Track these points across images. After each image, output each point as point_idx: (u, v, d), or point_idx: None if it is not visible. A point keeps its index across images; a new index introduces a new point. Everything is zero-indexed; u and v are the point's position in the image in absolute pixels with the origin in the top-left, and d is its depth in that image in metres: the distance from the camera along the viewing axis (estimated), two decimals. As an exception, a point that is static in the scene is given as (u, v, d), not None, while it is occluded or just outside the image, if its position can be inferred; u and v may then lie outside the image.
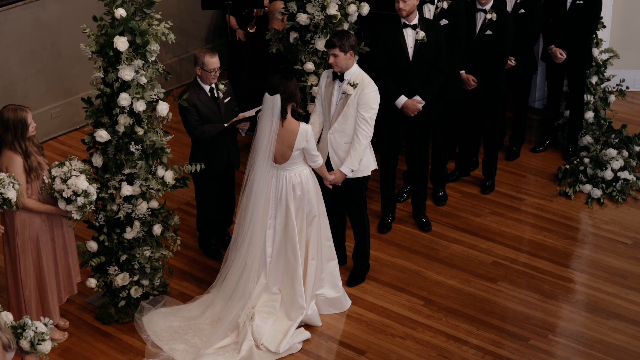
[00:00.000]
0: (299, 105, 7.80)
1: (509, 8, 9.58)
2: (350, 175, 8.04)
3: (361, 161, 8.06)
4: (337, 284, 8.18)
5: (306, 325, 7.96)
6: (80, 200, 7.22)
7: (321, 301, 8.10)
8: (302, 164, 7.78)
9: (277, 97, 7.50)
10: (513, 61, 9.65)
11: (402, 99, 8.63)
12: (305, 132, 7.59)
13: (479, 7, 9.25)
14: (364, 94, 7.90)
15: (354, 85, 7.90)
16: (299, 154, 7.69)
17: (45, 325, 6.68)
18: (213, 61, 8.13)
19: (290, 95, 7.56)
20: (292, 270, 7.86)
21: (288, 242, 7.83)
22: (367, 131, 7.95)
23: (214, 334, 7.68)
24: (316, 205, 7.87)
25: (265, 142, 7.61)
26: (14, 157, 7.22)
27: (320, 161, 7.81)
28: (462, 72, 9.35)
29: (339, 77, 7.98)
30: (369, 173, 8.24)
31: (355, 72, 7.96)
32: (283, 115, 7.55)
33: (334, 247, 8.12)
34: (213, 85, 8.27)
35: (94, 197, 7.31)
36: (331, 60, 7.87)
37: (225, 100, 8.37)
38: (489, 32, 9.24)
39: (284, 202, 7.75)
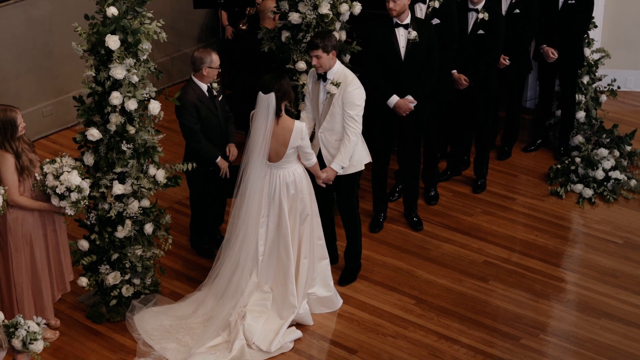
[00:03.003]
0: (292, 104, 7.80)
1: (504, 8, 9.58)
2: (340, 172, 8.05)
3: (352, 157, 8.06)
4: (329, 283, 8.18)
5: (297, 324, 7.96)
6: (74, 195, 7.21)
7: (313, 300, 8.10)
8: (295, 162, 7.78)
9: (272, 95, 7.49)
10: (507, 61, 9.66)
11: (394, 99, 8.63)
12: (300, 130, 7.60)
13: (470, 6, 9.26)
14: (347, 92, 7.90)
15: (337, 85, 7.91)
16: (293, 152, 7.69)
17: (38, 324, 6.67)
18: (217, 58, 8.23)
19: (285, 93, 7.56)
20: (285, 268, 7.87)
21: (281, 240, 7.84)
22: (356, 128, 7.96)
23: (206, 333, 7.68)
24: (309, 204, 7.87)
25: (260, 142, 7.61)
26: (5, 156, 7.21)
27: (314, 160, 7.81)
28: (454, 71, 9.36)
29: (322, 76, 7.98)
30: (362, 168, 8.23)
31: (337, 71, 7.96)
32: (278, 114, 7.55)
33: (325, 246, 8.13)
34: (209, 85, 8.30)
35: (87, 192, 7.30)
36: (314, 62, 7.87)
37: (219, 99, 8.41)
38: (480, 31, 9.25)
39: (277, 200, 7.76)
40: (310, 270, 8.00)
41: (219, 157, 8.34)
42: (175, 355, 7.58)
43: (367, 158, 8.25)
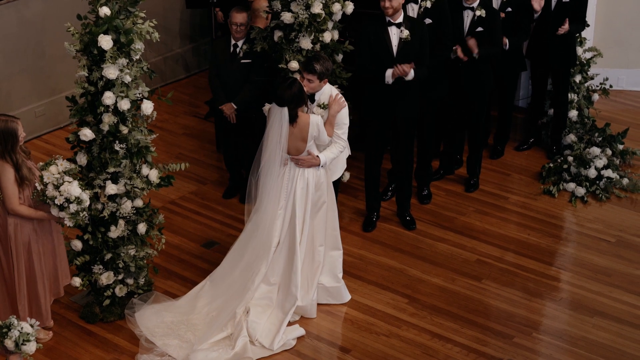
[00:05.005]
0: (307, 104, 7.85)
1: (496, 7, 9.59)
2: (322, 164, 7.97)
3: (334, 170, 8.19)
4: (336, 275, 8.22)
5: (301, 318, 7.99)
6: (73, 207, 7.17)
7: (319, 289, 8.13)
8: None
9: (285, 109, 7.62)
10: (506, 45, 9.61)
11: (389, 72, 8.57)
12: (317, 124, 7.74)
13: (465, 5, 9.25)
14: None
15: (324, 107, 7.93)
16: (312, 145, 7.81)
17: (31, 325, 6.66)
18: (235, 15, 9.12)
19: (299, 102, 7.68)
20: (292, 259, 7.90)
21: (295, 232, 7.88)
22: (342, 144, 8.04)
23: (209, 330, 7.68)
24: (326, 194, 7.96)
25: (275, 149, 7.75)
26: (5, 167, 7.14)
27: (328, 140, 7.91)
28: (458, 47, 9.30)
29: (308, 97, 7.98)
30: (339, 175, 8.37)
31: (325, 91, 7.98)
32: (294, 119, 7.67)
33: (340, 237, 8.17)
34: (239, 43, 9.18)
35: (87, 203, 7.25)
36: (305, 83, 7.86)
37: (243, 61, 9.20)
38: (480, 29, 9.24)
39: (296, 191, 7.81)
40: (324, 259, 8.08)
41: (225, 103, 9.26)
42: (178, 351, 7.59)
43: (344, 168, 8.39)
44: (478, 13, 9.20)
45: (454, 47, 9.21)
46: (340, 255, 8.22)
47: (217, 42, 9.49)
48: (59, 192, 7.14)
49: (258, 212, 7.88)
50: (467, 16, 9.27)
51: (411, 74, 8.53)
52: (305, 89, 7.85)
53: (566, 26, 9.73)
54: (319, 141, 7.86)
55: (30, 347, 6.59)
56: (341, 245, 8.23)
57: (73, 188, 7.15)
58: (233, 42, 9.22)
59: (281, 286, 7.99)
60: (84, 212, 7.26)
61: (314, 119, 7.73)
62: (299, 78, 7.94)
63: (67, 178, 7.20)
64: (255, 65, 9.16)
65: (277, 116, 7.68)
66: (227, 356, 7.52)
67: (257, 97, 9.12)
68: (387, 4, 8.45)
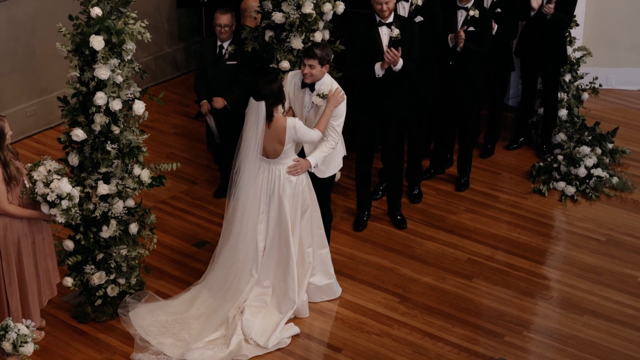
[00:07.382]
0: (284, 104, 7.85)
1: (486, 7, 9.61)
2: (312, 170, 8.01)
3: (329, 165, 8.17)
4: (329, 271, 8.24)
5: (294, 317, 8.00)
6: (65, 203, 7.17)
7: (312, 289, 8.14)
8: (293, 157, 7.82)
9: (262, 103, 7.56)
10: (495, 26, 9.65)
11: (377, 65, 8.57)
12: (293, 127, 7.67)
13: (459, 5, 9.28)
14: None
15: (324, 97, 7.93)
16: (291, 147, 7.77)
17: (28, 327, 6.66)
18: (219, 17, 9.11)
19: (276, 99, 7.64)
20: (285, 264, 7.91)
21: (282, 235, 7.88)
22: (335, 138, 8.02)
23: (204, 330, 7.69)
24: (309, 196, 7.94)
25: (252, 147, 7.70)
26: None
27: (317, 135, 7.85)
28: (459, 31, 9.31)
29: (308, 86, 7.99)
30: (333, 172, 8.33)
31: (325, 82, 7.98)
32: (269, 119, 7.62)
33: (325, 235, 8.19)
34: (224, 45, 9.17)
35: (78, 199, 7.26)
36: (306, 70, 7.84)
37: (228, 62, 9.18)
38: (471, 28, 9.26)
39: (277, 195, 7.80)
40: (314, 259, 8.10)
41: (204, 100, 9.29)
42: (173, 350, 7.60)
43: (339, 167, 8.36)
44: (472, 13, 9.23)
45: (449, 35, 9.22)
46: (327, 253, 8.23)
47: (205, 42, 9.48)
48: (50, 189, 7.14)
49: (236, 215, 7.85)
50: (461, 16, 9.30)
51: (400, 63, 8.52)
52: (307, 80, 7.85)
53: (552, 6, 9.73)
54: (305, 141, 7.84)
55: (28, 349, 6.59)
56: (327, 242, 8.24)
57: (63, 184, 7.16)
58: (219, 43, 9.20)
59: (276, 288, 7.99)
60: (75, 209, 7.26)
61: (290, 122, 7.67)
62: (301, 68, 7.93)
63: (55, 176, 7.20)
64: (241, 66, 9.15)
65: (254, 111, 7.63)
66: (222, 354, 7.55)
67: (246, 97, 9.10)
68: (385, 7, 8.45)
